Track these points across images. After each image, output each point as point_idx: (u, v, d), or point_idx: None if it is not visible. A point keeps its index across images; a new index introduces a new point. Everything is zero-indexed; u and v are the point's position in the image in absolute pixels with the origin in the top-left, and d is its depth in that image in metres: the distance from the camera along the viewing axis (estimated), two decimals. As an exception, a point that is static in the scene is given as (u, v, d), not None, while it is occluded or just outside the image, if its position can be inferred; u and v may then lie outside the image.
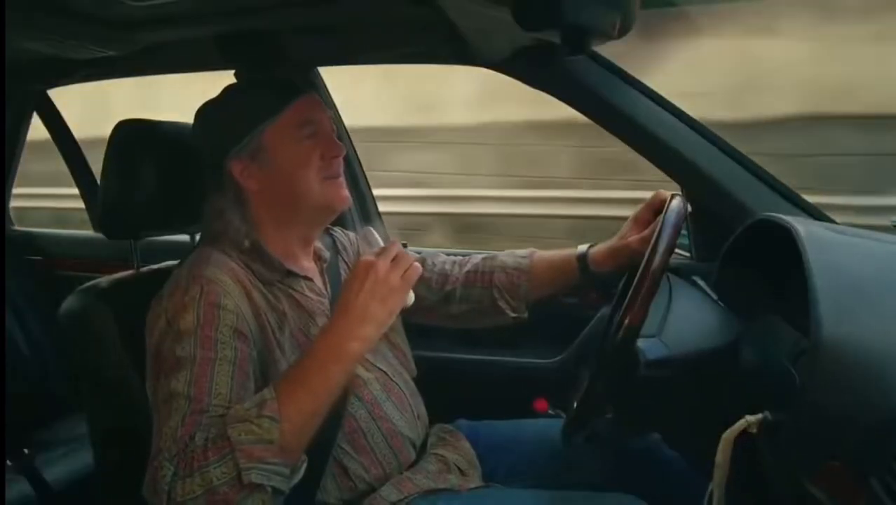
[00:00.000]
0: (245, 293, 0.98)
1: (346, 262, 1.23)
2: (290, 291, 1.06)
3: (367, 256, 0.90)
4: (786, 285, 1.00)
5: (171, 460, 0.81)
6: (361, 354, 0.88)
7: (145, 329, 0.98)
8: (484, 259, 1.29)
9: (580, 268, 1.22)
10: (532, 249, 1.29)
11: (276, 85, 1.08)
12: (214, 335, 0.91)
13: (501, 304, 1.25)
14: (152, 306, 0.98)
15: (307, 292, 1.08)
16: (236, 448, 0.79)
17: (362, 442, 1.04)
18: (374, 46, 1.33)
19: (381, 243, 0.93)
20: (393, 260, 0.89)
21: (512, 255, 1.29)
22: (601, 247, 1.22)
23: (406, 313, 1.20)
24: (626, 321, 0.82)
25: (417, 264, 0.91)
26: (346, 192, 1.08)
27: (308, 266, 1.11)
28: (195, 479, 0.79)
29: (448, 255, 1.37)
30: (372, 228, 0.96)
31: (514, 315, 1.26)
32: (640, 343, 0.85)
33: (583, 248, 1.23)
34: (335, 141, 1.07)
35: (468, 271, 1.28)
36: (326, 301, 1.11)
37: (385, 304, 0.88)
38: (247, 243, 1.03)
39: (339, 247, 1.24)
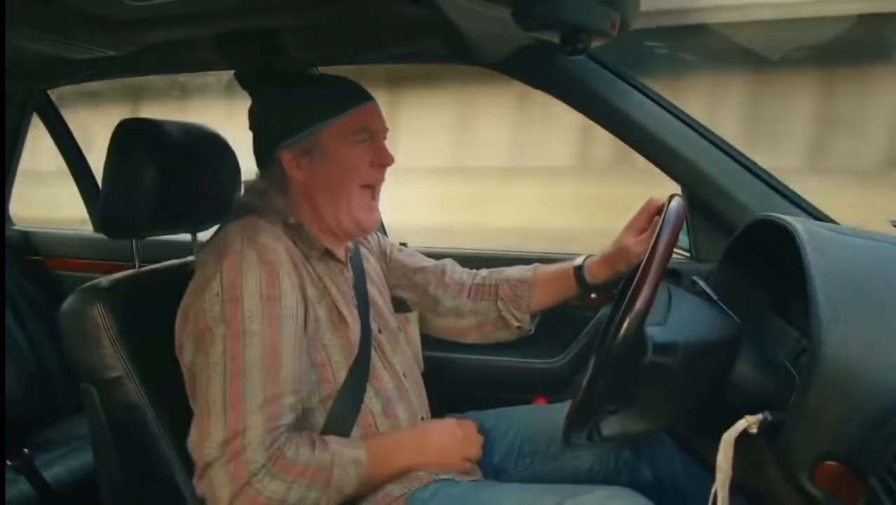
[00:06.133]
0: (293, 264, 1.00)
1: (367, 248, 1.28)
2: (327, 269, 1.09)
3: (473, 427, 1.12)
4: (786, 285, 1.00)
5: (263, 448, 0.89)
6: (408, 470, 1.03)
7: (189, 296, 0.99)
8: (491, 272, 1.33)
9: (576, 279, 1.24)
10: (537, 264, 1.31)
11: (343, 86, 1.10)
12: (279, 310, 0.94)
13: (507, 315, 1.28)
14: (197, 270, 1.00)
15: (338, 274, 1.11)
16: (333, 488, 0.93)
17: (372, 433, 1.05)
18: (374, 46, 1.33)
19: None
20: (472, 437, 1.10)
21: (518, 268, 1.31)
22: (596, 257, 1.23)
23: (422, 323, 1.29)
24: (634, 307, 0.81)
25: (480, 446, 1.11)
26: (377, 216, 1.12)
27: (341, 254, 1.14)
28: (282, 485, 0.89)
29: (456, 253, 1.40)
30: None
31: (517, 325, 1.28)
32: (648, 329, 0.85)
33: (579, 260, 1.25)
34: (386, 150, 1.10)
35: (477, 284, 1.32)
36: (351, 286, 1.13)
37: (443, 457, 1.05)
38: (291, 220, 1.06)
39: (360, 238, 1.27)
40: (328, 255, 1.10)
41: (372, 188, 1.10)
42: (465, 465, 1.08)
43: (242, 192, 1.14)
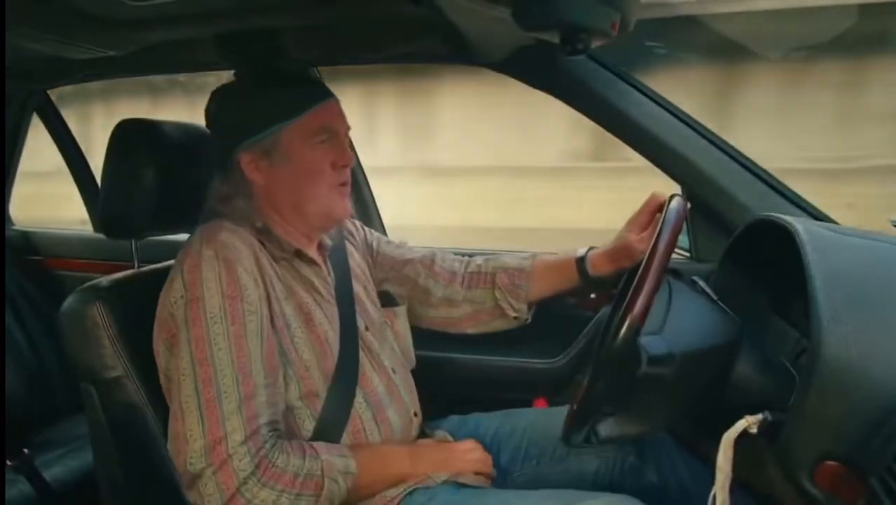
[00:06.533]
0: (256, 261, 0.99)
1: (352, 244, 1.26)
2: (298, 271, 1.07)
3: (474, 450, 1.11)
4: (786, 285, 0.99)
5: (249, 456, 0.88)
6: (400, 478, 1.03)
7: (159, 302, 0.99)
8: (486, 260, 1.30)
9: (578, 271, 1.22)
10: (534, 252, 1.29)
11: (302, 85, 1.08)
12: (241, 306, 0.93)
13: (503, 305, 1.26)
14: (168, 277, 0.99)
15: (313, 276, 1.09)
16: (323, 498, 0.93)
17: (363, 443, 1.05)
18: (374, 46, 1.33)
19: None
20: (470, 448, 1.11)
21: (515, 256, 1.29)
22: (600, 250, 1.21)
23: (416, 316, 1.27)
24: (629, 317, 0.81)
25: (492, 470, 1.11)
26: (348, 204, 1.10)
27: (313, 253, 1.12)
28: (272, 494, 0.89)
29: (452, 253, 1.38)
30: None
31: (514, 315, 1.26)
32: (642, 340, 0.85)
33: (582, 251, 1.23)
34: (347, 150, 1.08)
35: (472, 272, 1.29)
36: (331, 286, 1.12)
37: (438, 466, 1.05)
38: (258, 224, 1.05)
39: (345, 232, 1.26)
40: (300, 256, 1.08)
41: (340, 186, 1.08)
42: (472, 467, 1.08)
43: (208, 198, 1.10)
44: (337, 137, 1.07)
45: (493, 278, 1.27)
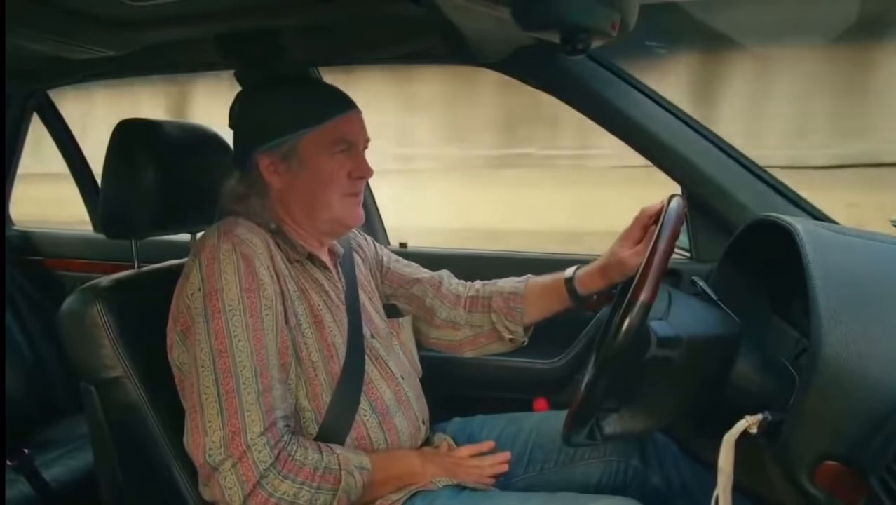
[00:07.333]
0: (271, 258, 1.00)
1: (360, 257, 1.26)
2: (310, 274, 1.08)
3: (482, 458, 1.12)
4: (786, 285, 1.00)
5: (269, 447, 0.89)
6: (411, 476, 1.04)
7: (174, 296, 1.00)
8: (484, 285, 1.31)
9: (568, 290, 1.22)
10: (529, 276, 1.29)
11: (326, 94, 1.09)
12: (259, 301, 0.95)
13: (500, 327, 1.27)
14: (184, 270, 1.00)
15: (324, 281, 1.10)
16: (341, 491, 0.93)
17: (367, 449, 1.05)
18: (374, 46, 1.33)
19: None
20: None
21: (511, 281, 1.30)
22: (588, 268, 1.21)
23: (418, 334, 1.29)
24: (639, 300, 0.81)
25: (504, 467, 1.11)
26: (361, 212, 1.11)
27: (325, 258, 1.13)
28: (293, 486, 0.90)
29: (450, 253, 1.38)
30: None
31: (510, 337, 1.27)
32: (651, 323, 0.85)
33: (569, 271, 1.23)
34: (366, 162, 1.09)
35: (471, 296, 1.30)
36: (342, 293, 1.12)
37: (445, 472, 1.07)
38: (272, 226, 1.05)
39: (355, 245, 1.27)
40: (312, 259, 1.09)
41: (352, 196, 1.08)
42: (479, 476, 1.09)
43: (223, 196, 1.11)
44: (355, 149, 1.07)
45: (489, 302, 1.28)
